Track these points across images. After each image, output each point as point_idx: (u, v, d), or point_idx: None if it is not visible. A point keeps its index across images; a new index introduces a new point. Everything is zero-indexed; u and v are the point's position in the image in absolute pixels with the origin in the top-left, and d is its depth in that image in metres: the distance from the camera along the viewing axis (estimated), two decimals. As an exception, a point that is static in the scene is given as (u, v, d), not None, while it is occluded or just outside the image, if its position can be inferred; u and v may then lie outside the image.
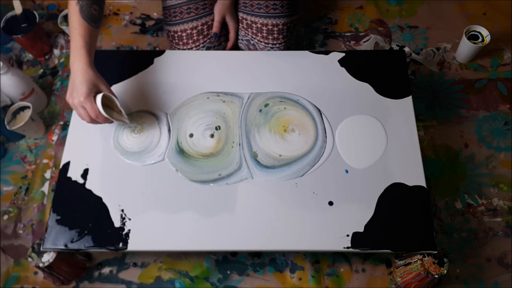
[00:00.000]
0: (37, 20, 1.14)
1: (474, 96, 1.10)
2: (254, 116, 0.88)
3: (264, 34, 1.00)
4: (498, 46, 1.18)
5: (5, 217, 0.98)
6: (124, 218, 0.78)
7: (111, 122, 0.80)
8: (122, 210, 0.78)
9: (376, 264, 0.91)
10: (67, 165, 0.83)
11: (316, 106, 0.89)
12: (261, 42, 1.01)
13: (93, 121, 0.78)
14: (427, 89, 1.12)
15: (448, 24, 1.23)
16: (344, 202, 0.79)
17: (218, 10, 0.99)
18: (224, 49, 1.05)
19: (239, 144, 0.85)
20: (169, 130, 0.87)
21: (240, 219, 0.77)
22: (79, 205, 0.79)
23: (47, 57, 1.21)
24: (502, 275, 0.90)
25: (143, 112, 0.89)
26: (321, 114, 0.88)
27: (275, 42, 1.01)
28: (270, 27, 0.99)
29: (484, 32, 1.11)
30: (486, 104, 1.09)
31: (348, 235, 0.76)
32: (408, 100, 0.89)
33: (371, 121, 0.87)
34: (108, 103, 0.79)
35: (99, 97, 0.76)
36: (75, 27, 0.77)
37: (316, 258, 0.92)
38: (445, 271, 0.75)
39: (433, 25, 1.23)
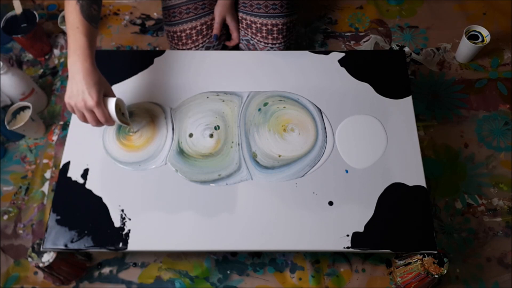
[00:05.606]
0: (37, 20, 1.14)
1: (474, 96, 1.10)
2: (253, 115, 0.88)
3: (264, 34, 1.00)
4: (498, 46, 1.18)
5: (5, 217, 0.98)
6: (124, 218, 0.78)
7: (113, 124, 0.80)
8: (122, 210, 0.78)
9: (376, 264, 0.91)
10: (67, 165, 0.83)
11: (316, 106, 0.89)
12: (260, 42, 1.01)
13: (99, 124, 0.76)
14: (427, 89, 1.12)
15: (448, 24, 1.23)
16: (344, 202, 0.79)
17: (218, 11, 0.98)
18: (223, 48, 1.04)
19: (238, 144, 0.85)
20: (172, 129, 0.87)
21: (240, 219, 0.77)
22: (79, 205, 0.79)
23: (47, 57, 1.21)
24: (502, 275, 0.90)
25: (152, 104, 0.89)
26: (321, 113, 0.88)
27: (274, 42, 1.01)
28: (269, 27, 0.99)
29: (484, 32, 1.11)
30: (486, 104, 1.09)
31: (348, 235, 0.76)
32: (408, 100, 0.89)
33: (371, 121, 0.87)
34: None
35: (112, 102, 0.75)
36: (76, 26, 0.74)
37: (316, 258, 0.91)
38: (445, 271, 0.75)
39: (433, 25, 1.23)
